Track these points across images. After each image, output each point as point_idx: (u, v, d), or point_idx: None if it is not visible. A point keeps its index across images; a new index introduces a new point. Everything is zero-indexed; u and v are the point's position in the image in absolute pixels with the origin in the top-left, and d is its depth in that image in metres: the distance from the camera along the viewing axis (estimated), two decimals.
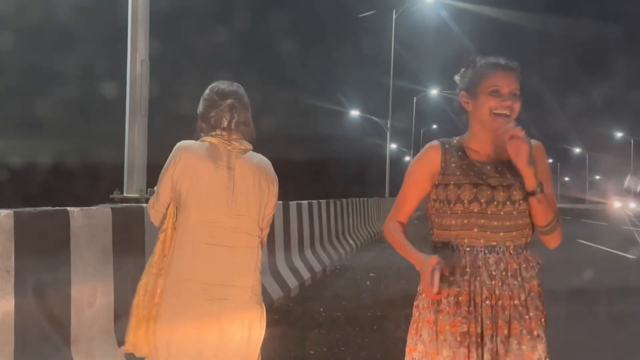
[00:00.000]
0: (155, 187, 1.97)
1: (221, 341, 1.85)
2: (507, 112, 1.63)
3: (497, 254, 1.62)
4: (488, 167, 1.66)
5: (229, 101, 1.94)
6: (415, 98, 34.03)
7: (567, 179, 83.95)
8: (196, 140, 1.95)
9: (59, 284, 2.64)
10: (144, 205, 3.66)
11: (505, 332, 1.59)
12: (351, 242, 10.19)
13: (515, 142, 1.57)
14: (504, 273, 1.61)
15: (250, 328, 1.90)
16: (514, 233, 1.63)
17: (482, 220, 1.61)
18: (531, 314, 1.61)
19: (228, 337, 1.86)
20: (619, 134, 54.17)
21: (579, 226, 20.35)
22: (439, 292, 1.52)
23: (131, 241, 3.23)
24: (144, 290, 1.88)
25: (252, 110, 2.02)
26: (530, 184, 1.59)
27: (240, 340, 1.88)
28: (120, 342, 3.01)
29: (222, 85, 1.99)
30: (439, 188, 1.68)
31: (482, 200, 1.62)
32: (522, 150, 1.57)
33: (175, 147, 1.92)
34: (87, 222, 2.84)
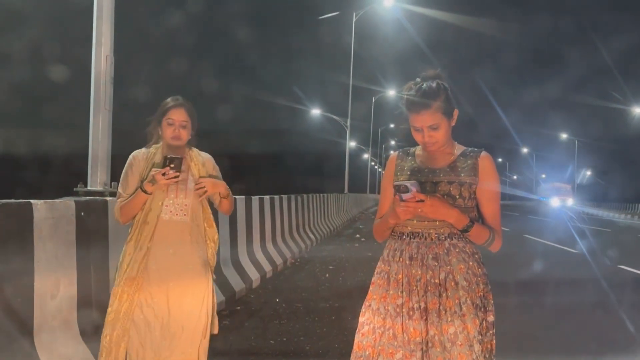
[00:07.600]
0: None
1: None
2: (431, 141, 1.89)
3: (420, 239, 1.89)
4: (426, 170, 1.95)
5: None
6: (374, 98, 34.24)
7: (515, 177, 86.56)
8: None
9: (22, 276, 2.65)
10: (108, 198, 3.68)
11: (426, 306, 1.82)
12: (311, 236, 10.34)
13: (426, 208, 1.79)
14: (425, 256, 1.87)
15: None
16: (437, 223, 1.88)
17: None
18: (449, 293, 1.82)
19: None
20: (564, 135, 55.83)
21: (524, 221, 21.20)
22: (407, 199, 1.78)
23: (94, 234, 3.25)
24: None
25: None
26: (458, 225, 1.85)
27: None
28: (83, 332, 3.06)
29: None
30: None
31: None
32: (432, 211, 1.80)
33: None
34: (51, 214, 2.86)
